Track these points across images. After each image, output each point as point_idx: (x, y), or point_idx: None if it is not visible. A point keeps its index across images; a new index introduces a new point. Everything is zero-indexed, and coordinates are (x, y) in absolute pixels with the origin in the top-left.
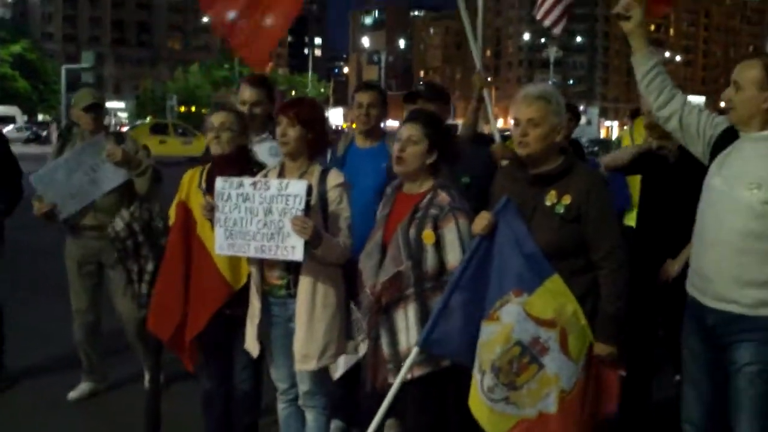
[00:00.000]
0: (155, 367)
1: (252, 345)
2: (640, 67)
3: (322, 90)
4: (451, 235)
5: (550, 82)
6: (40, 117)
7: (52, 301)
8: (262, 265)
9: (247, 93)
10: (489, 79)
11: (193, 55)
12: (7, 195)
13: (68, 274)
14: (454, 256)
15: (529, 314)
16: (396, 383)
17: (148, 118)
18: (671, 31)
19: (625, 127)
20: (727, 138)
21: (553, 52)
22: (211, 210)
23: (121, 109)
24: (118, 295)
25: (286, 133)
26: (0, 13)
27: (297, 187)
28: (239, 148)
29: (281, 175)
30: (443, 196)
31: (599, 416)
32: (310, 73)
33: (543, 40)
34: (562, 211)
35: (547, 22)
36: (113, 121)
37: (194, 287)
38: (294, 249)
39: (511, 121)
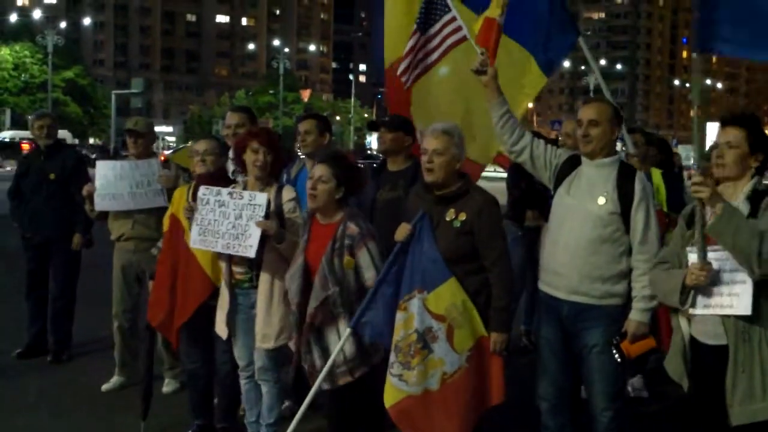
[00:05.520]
0: (150, 350)
1: (221, 328)
2: (496, 113)
3: (366, 115)
4: (364, 258)
5: None
6: (91, 140)
7: (91, 309)
8: (231, 262)
9: (232, 118)
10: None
11: (240, 81)
12: (85, 218)
13: (113, 281)
14: (370, 275)
15: (427, 308)
16: (323, 372)
17: (189, 142)
18: (713, 59)
19: None
20: (568, 166)
21: (593, 80)
22: (190, 210)
23: (169, 134)
24: None
25: (263, 159)
26: (54, 40)
27: (261, 198)
28: (220, 169)
29: (244, 189)
30: (352, 228)
31: (486, 405)
32: (353, 98)
33: (583, 67)
34: (458, 225)
35: (403, 79)
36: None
37: (182, 283)
38: (250, 247)
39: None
